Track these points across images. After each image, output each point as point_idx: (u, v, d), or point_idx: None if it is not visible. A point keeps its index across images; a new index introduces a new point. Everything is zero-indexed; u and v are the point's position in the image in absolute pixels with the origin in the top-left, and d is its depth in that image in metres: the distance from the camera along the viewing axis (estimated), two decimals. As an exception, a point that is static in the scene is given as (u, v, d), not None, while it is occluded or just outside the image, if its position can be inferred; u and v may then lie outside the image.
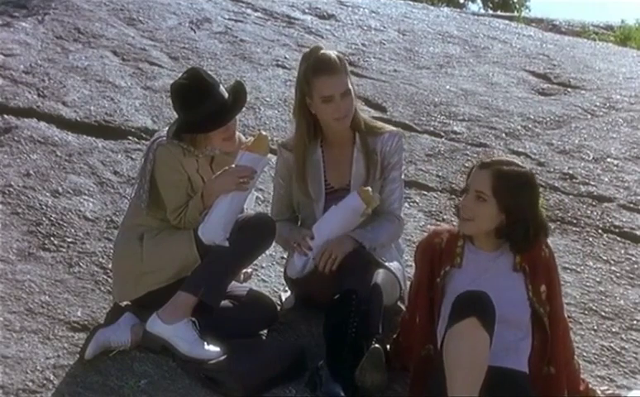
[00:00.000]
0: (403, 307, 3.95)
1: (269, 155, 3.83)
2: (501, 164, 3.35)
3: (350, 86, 3.72)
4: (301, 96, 3.74)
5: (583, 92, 7.03)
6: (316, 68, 3.67)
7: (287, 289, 4.00)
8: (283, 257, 4.19)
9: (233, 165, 3.64)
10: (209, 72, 3.91)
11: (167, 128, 3.81)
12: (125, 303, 3.76)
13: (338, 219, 3.69)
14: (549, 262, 3.38)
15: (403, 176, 3.90)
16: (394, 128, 3.98)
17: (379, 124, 3.93)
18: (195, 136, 3.68)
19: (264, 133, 3.73)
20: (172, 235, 3.67)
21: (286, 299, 3.96)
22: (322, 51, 3.73)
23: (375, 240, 3.71)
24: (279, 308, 3.90)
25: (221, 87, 3.72)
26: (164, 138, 3.72)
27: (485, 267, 3.34)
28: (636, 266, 4.56)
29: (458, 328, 3.01)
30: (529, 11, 19.14)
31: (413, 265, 3.62)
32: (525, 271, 3.32)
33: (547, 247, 3.40)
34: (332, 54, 3.73)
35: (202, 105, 3.63)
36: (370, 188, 3.69)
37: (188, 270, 3.59)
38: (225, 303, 3.66)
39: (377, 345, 3.32)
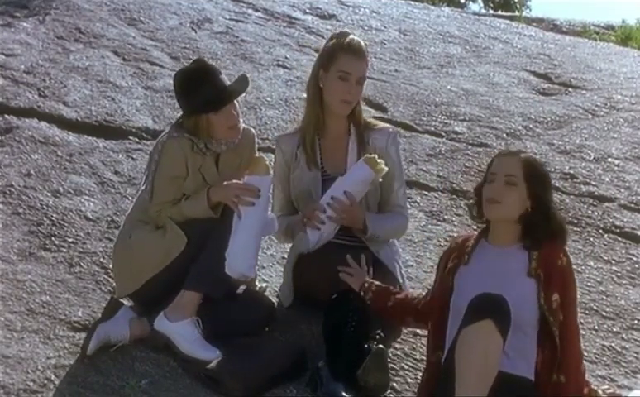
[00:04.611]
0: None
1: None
2: (527, 154, 3.52)
3: (365, 77, 3.83)
4: (317, 68, 3.81)
5: (584, 92, 7.03)
6: (345, 46, 3.77)
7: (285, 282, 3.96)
8: (283, 257, 4.19)
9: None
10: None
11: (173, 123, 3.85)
12: (125, 298, 3.76)
13: (347, 188, 3.67)
14: (565, 272, 3.28)
15: (404, 176, 3.91)
16: (388, 125, 4.04)
17: (374, 121, 3.99)
18: (197, 125, 3.68)
19: (257, 155, 3.77)
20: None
21: (280, 289, 3.92)
22: (352, 35, 3.84)
23: (381, 226, 3.76)
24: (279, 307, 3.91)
25: (222, 76, 3.73)
26: (175, 132, 3.74)
27: (493, 264, 3.28)
28: (637, 266, 4.55)
29: (472, 329, 2.95)
30: (530, 11, 19.14)
31: (414, 265, 3.63)
32: (539, 278, 3.23)
33: (566, 256, 3.31)
34: (362, 41, 3.85)
35: (202, 89, 3.65)
36: (375, 155, 3.69)
37: (176, 250, 3.59)
38: (223, 303, 3.66)
39: (380, 345, 3.33)
